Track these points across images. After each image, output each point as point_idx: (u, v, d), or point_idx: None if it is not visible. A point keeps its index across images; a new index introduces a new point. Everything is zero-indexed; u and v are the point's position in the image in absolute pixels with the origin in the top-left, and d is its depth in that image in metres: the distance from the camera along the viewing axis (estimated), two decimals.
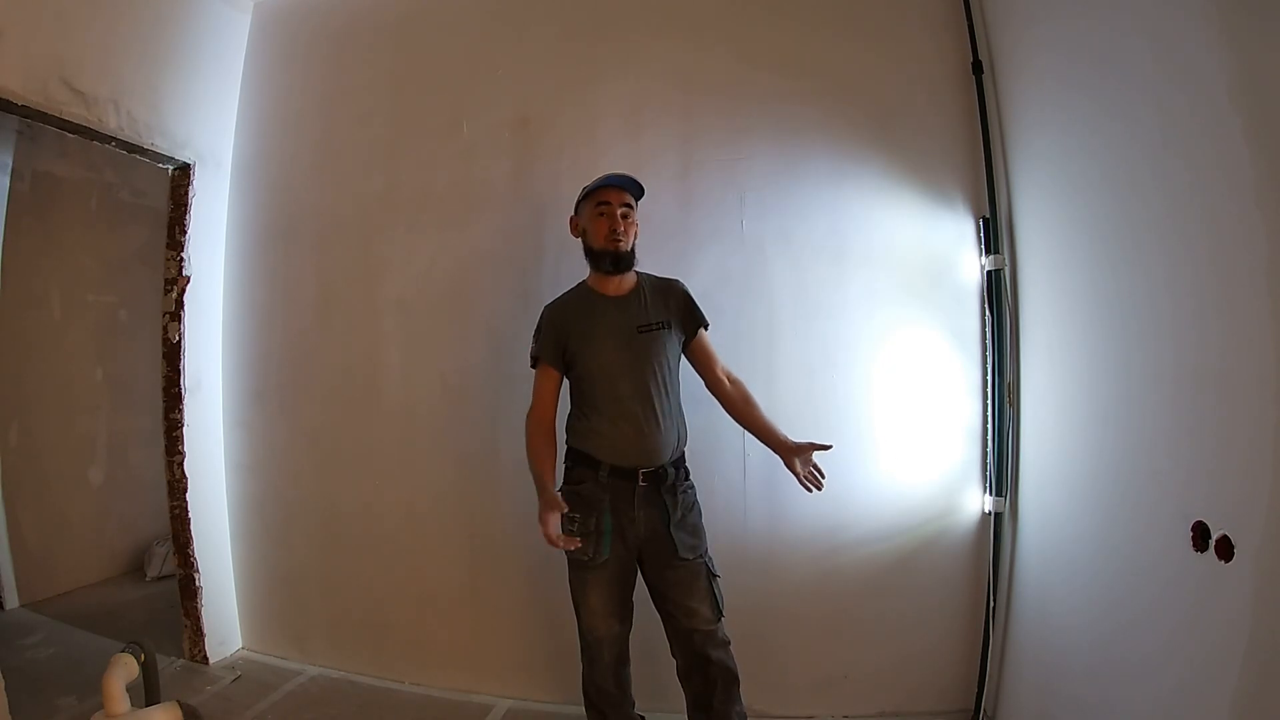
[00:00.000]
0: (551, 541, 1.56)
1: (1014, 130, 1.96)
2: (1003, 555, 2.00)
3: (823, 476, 1.70)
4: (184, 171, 2.45)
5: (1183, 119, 1.24)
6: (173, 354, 2.42)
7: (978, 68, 2.03)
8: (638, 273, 1.80)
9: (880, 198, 2.10)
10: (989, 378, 2.01)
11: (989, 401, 2.01)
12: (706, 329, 1.82)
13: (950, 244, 2.07)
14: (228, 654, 2.53)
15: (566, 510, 1.61)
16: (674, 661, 1.77)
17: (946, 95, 2.08)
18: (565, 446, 1.76)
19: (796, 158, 2.14)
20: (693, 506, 1.75)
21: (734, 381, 1.84)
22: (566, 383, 1.80)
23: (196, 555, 2.44)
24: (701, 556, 1.70)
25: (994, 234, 2.00)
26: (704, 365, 1.82)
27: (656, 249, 2.19)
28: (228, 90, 2.59)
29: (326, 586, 2.48)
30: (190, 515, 2.42)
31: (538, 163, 2.29)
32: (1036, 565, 1.86)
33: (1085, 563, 1.60)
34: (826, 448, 1.69)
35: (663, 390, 1.70)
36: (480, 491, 2.32)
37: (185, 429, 2.42)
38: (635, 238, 1.75)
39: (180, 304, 2.42)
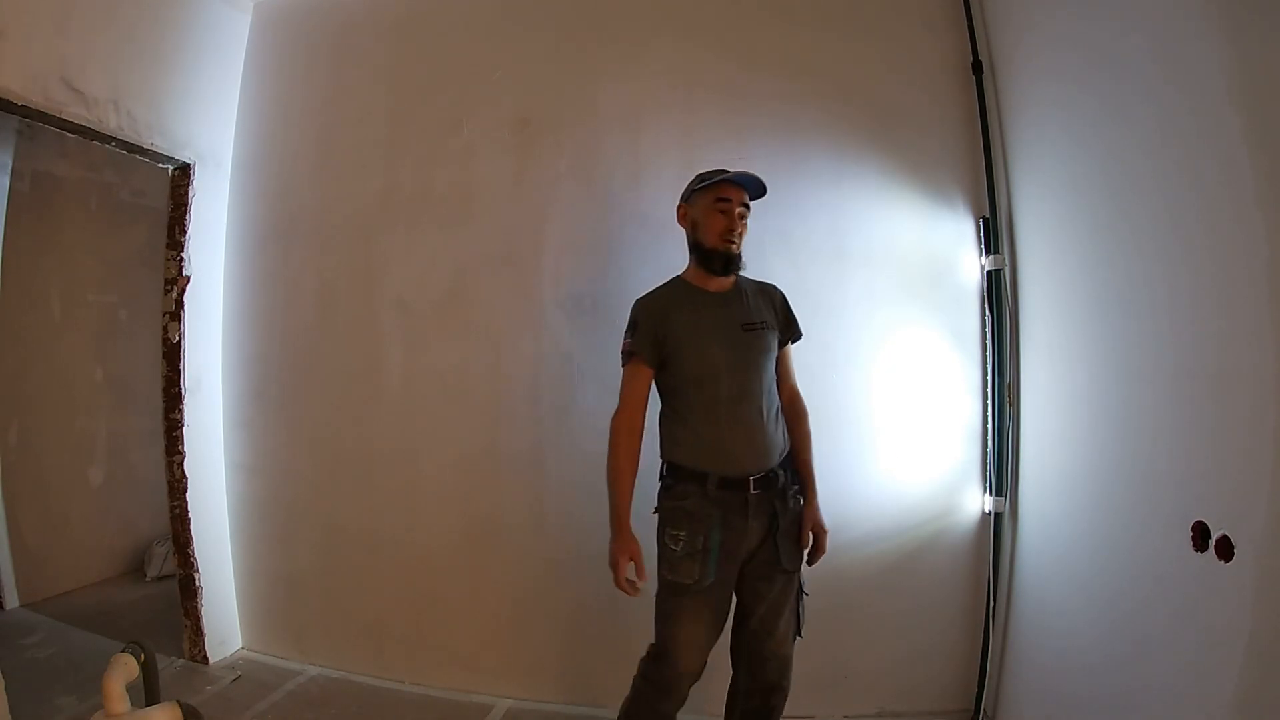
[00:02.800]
0: (621, 587, 1.48)
1: (1014, 130, 1.96)
2: (1003, 555, 2.00)
3: (818, 555, 1.63)
4: (184, 171, 2.45)
5: (1182, 119, 1.24)
6: (173, 354, 2.42)
7: (978, 68, 2.03)
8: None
9: (880, 197, 2.10)
10: (989, 378, 2.01)
11: (989, 401, 2.01)
12: (797, 341, 1.74)
13: (950, 244, 2.07)
14: (228, 654, 2.53)
15: (670, 530, 1.51)
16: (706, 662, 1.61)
17: (946, 95, 2.08)
18: (649, 460, 1.63)
19: (796, 157, 2.14)
20: (799, 513, 1.61)
21: (796, 403, 1.72)
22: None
23: (196, 555, 2.44)
24: (798, 570, 1.60)
25: (994, 234, 2.00)
26: (779, 375, 1.69)
27: (656, 249, 2.20)
28: (228, 90, 2.59)
29: (326, 586, 2.48)
30: (190, 515, 2.42)
31: (538, 163, 2.29)
32: (1036, 565, 1.86)
33: (1085, 562, 1.60)
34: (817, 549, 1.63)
35: (765, 390, 1.59)
36: (480, 491, 2.32)
37: (185, 429, 2.42)
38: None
39: (180, 304, 2.42)
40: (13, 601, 2.92)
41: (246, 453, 2.58)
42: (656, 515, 1.60)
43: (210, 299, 2.54)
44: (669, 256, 2.19)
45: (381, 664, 2.40)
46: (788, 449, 1.62)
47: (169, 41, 2.34)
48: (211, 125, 2.52)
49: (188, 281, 2.44)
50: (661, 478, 1.61)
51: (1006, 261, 1.99)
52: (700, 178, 1.63)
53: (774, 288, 1.74)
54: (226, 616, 2.56)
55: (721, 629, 1.56)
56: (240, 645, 2.59)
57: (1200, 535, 1.16)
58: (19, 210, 3.00)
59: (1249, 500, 1.08)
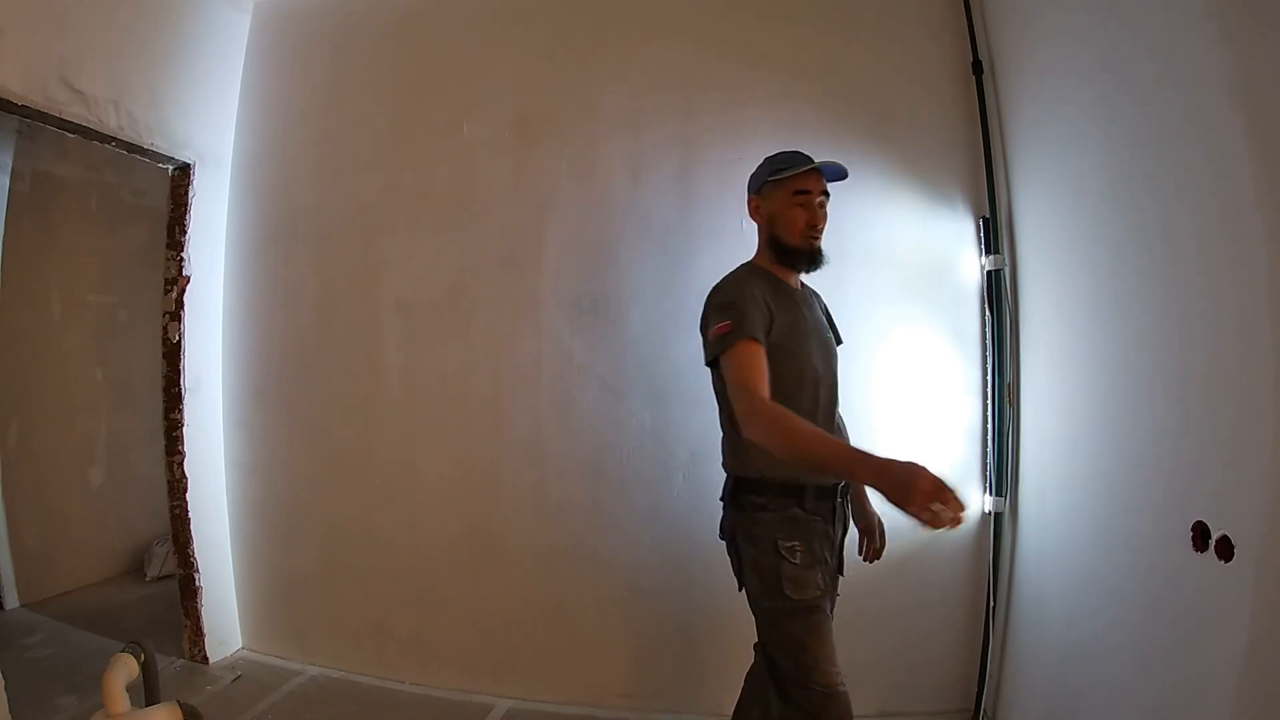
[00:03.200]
0: (944, 500, 0.96)
1: (1014, 130, 1.96)
2: (1003, 555, 2.00)
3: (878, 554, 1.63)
4: (184, 171, 2.45)
5: (1182, 118, 1.24)
6: (173, 354, 2.42)
7: (978, 68, 2.03)
8: None
9: (880, 197, 2.10)
10: (989, 378, 2.01)
11: (989, 401, 2.01)
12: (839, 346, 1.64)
13: (950, 244, 2.07)
14: (228, 654, 2.53)
15: (784, 543, 1.36)
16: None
17: (946, 95, 2.08)
18: (736, 479, 1.48)
19: None
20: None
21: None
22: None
23: (196, 555, 2.44)
24: None
25: (994, 234, 2.00)
26: None
27: (656, 249, 2.20)
28: (228, 90, 2.59)
29: (326, 586, 2.48)
30: (190, 515, 2.42)
31: (538, 163, 2.29)
32: (1036, 565, 1.86)
33: (1085, 563, 1.60)
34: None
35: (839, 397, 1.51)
36: (480, 491, 2.32)
37: (185, 429, 2.42)
38: None
39: (180, 304, 2.42)
40: (13, 601, 2.92)
41: (246, 453, 2.58)
42: (743, 537, 1.44)
43: (210, 299, 2.54)
44: (669, 256, 2.20)
45: (382, 664, 2.40)
46: None
47: (169, 41, 2.34)
48: (211, 125, 2.52)
49: (188, 281, 2.44)
50: (732, 499, 1.47)
51: (1006, 261, 1.99)
52: (772, 166, 1.47)
53: (818, 294, 1.66)
54: (226, 616, 2.56)
55: None
56: (240, 645, 2.59)
57: (1200, 535, 1.16)
58: (19, 210, 3.00)
59: (1249, 500, 1.08)
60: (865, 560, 1.65)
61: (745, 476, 1.44)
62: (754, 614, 1.45)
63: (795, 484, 1.38)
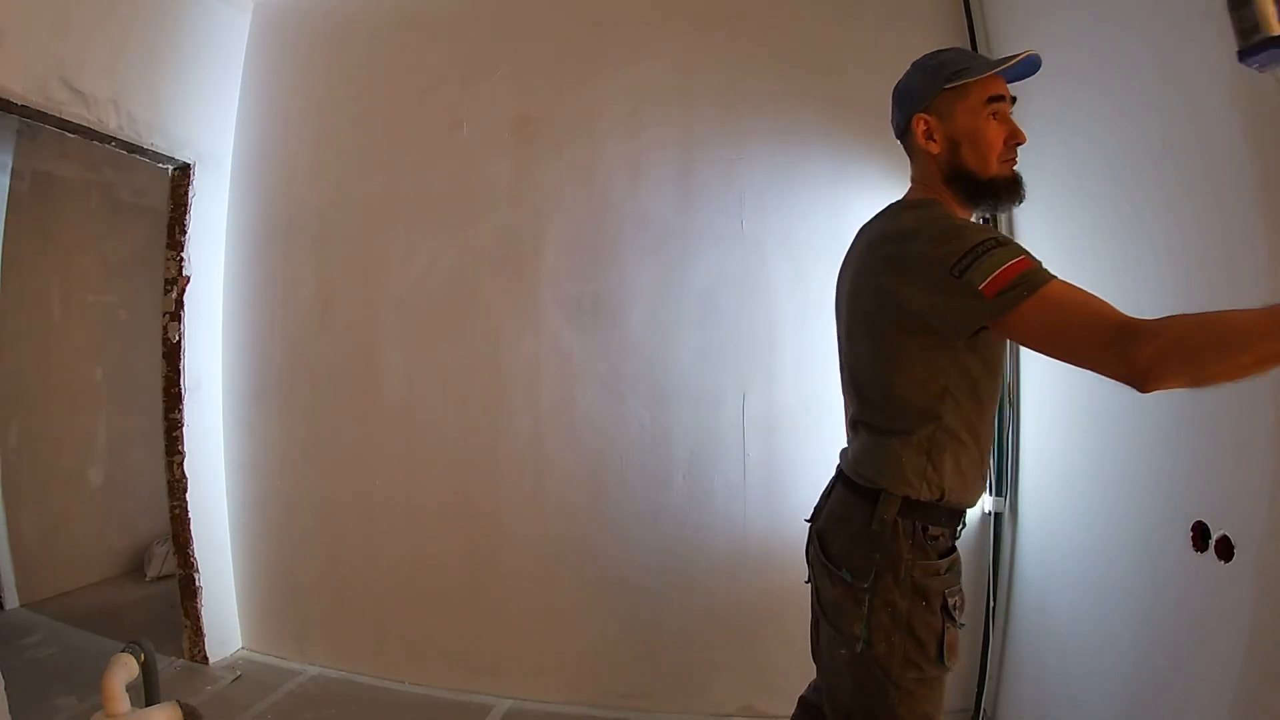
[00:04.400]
0: None
1: None
2: (1003, 555, 2.00)
3: None
4: (184, 171, 2.45)
5: (1182, 118, 1.24)
6: (173, 354, 2.42)
7: None
8: None
9: (880, 197, 2.09)
10: None
11: None
12: None
13: None
14: (228, 654, 2.53)
15: (949, 595, 1.04)
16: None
17: None
18: (903, 501, 1.05)
19: (796, 158, 2.14)
20: None
21: None
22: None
23: (196, 555, 2.43)
24: None
25: None
26: None
27: (656, 249, 2.20)
28: (228, 90, 2.59)
29: (326, 586, 2.48)
30: (190, 515, 2.42)
31: (538, 163, 2.29)
32: (1036, 565, 1.86)
33: (1085, 563, 1.60)
34: None
35: None
36: (481, 491, 2.32)
37: (185, 429, 2.42)
38: None
39: (180, 304, 2.42)
40: (13, 601, 2.92)
41: (246, 453, 2.58)
42: (902, 584, 1.03)
43: (210, 299, 2.54)
44: (669, 256, 2.20)
45: (382, 664, 2.40)
46: None
47: (169, 41, 2.34)
48: (211, 125, 2.52)
49: (188, 281, 2.44)
50: (898, 528, 1.04)
51: None
52: (946, 69, 1.06)
53: None
54: (226, 616, 2.56)
55: None
56: (240, 645, 2.58)
57: (1200, 535, 1.16)
58: (19, 210, 3.00)
59: (1249, 500, 1.08)
60: None
61: (921, 499, 1.03)
62: (851, 681, 1.08)
63: (962, 509, 1.08)
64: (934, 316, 0.96)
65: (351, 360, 2.45)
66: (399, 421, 2.39)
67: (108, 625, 2.76)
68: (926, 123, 1.09)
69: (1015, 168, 1.06)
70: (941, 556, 1.05)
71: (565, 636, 2.26)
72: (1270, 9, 0.80)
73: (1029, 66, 1.05)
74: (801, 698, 1.40)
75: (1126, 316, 0.87)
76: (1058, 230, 1.76)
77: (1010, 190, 1.05)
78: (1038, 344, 0.93)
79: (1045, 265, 0.93)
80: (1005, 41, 1.98)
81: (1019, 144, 1.04)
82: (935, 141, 1.08)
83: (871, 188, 2.11)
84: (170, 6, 2.34)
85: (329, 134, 2.51)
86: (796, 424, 2.09)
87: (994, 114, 1.04)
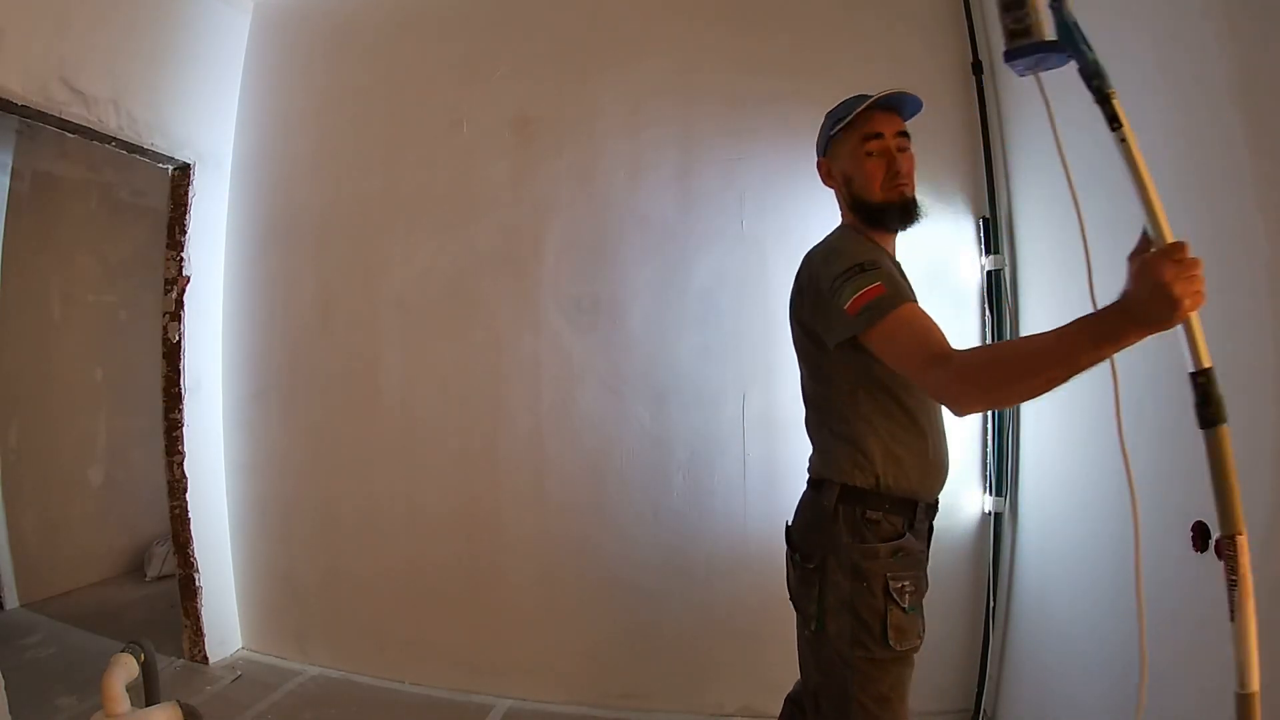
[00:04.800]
0: (1194, 276, 0.81)
1: (1014, 130, 1.96)
2: (1003, 555, 2.00)
3: None
4: (184, 171, 2.45)
5: (1183, 118, 1.24)
6: (173, 354, 2.42)
7: (978, 68, 2.03)
8: None
9: None
10: None
11: None
12: None
13: (950, 244, 2.07)
14: (228, 654, 2.53)
15: (893, 580, 1.12)
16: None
17: (946, 95, 2.08)
18: (842, 488, 1.17)
19: (796, 157, 2.14)
20: None
21: None
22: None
23: (196, 555, 2.44)
24: None
25: (994, 234, 2.00)
26: None
27: (656, 249, 2.20)
28: (228, 90, 2.59)
29: (326, 586, 2.48)
30: (190, 515, 2.42)
31: (538, 163, 2.29)
32: (1036, 565, 1.86)
33: (1085, 563, 1.60)
34: None
35: None
36: (481, 491, 2.32)
37: (185, 429, 2.42)
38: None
39: (180, 304, 2.42)
40: (13, 601, 2.92)
41: (246, 453, 2.58)
42: (844, 565, 1.13)
43: (210, 299, 2.54)
44: (669, 256, 2.20)
45: (382, 664, 2.40)
46: None
47: (169, 41, 2.34)
48: (211, 125, 2.52)
49: (188, 281, 2.44)
50: (837, 513, 1.16)
51: (1006, 261, 1.99)
52: (833, 118, 1.25)
53: None
54: (226, 616, 2.56)
55: None
56: (240, 645, 2.59)
57: (1200, 535, 1.16)
58: (19, 210, 3.01)
59: (1249, 500, 1.08)
60: None
61: (858, 485, 1.14)
62: (813, 660, 1.18)
63: (911, 498, 1.16)
64: (817, 326, 1.16)
65: (351, 360, 2.45)
66: (399, 421, 2.39)
67: (108, 625, 2.76)
68: (826, 165, 1.30)
69: (907, 192, 1.20)
70: (884, 541, 1.13)
71: (565, 636, 2.26)
72: (1041, 15, 0.89)
73: (911, 105, 1.23)
74: (788, 696, 1.43)
75: (946, 347, 1.00)
76: (1057, 229, 1.76)
77: (898, 212, 1.20)
78: (884, 359, 1.07)
79: (903, 292, 1.08)
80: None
81: (899, 173, 1.18)
82: (834, 179, 1.28)
83: None
84: (170, 6, 2.34)
85: (329, 134, 2.51)
86: (796, 423, 2.08)
87: (869, 151, 1.19)
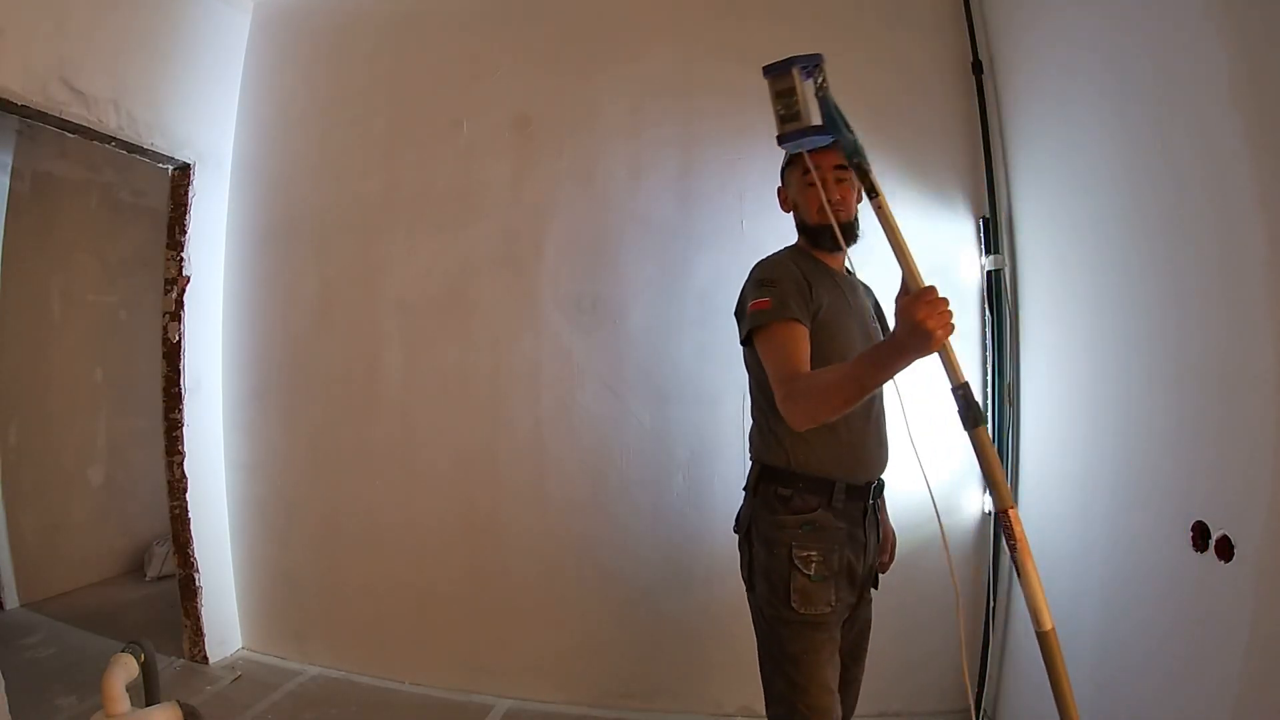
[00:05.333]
0: (944, 310, 1.00)
1: (1014, 130, 1.96)
2: (1003, 555, 2.00)
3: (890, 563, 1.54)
4: (184, 171, 2.45)
5: (1183, 118, 1.24)
6: (173, 354, 2.42)
7: (978, 68, 2.03)
8: None
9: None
10: (989, 378, 2.01)
11: (989, 401, 2.01)
12: None
13: (950, 244, 2.07)
14: (228, 654, 2.53)
15: (799, 551, 1.26)
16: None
17: (946, 95, 2.08)
18: (761, 467, 1.36)
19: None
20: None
21: None
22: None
23: (196, 555, 2.44)
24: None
25: (994, 234, 2.00)
26: None
27: (657, 249, 2.20)
28: (228, 90, 2.59)
29: (326, 586, 2.48)
30: (190, 515, 2.42)
31: (538, 163, 2.29)
32: (1037, 565, 1.86)
33: (1085, 563, 1.60)
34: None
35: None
36: (480, 491, 2.32)
37: (185, 429, 2.42)
38: (857, 202, 1.40)
39: (180, 304, 2.42)
40: (13, 601, 2.92)
41: (246, 453, 2.58)
42: (758, 536, 1.33)
43: (210, 299, 2.54)
44: (669, 256, 2.20)
45: (381, 664, 2.40)
46: None
47: (169, 41, 2.34)
48: (211, 125, 2.52)
49: (188, 281, 2.44)
50: (757, 489, 1.35)
51: (1006, 261, 1.99)
52: (787, 154, 1.40)
53: (869, 287, 1.57)
54: (226, 616, 2.56)
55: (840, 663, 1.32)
56: (240, 645, 2.58)
57: (1200, 535, 1.16)
58: (19, 210, 3.00)
59: (1249, 500, 1.08)
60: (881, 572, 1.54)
61: (771, 464, 1.33)
62: (753, 619, 1.38)
63: (826, 478, 1.29)
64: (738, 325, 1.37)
65: (351, 360, 2.45)
66: (399, 421, 2.39)
67: (108, 625, 2.76)
68: (783, 193, 1.47)
69: (840, 217, 1.33)
70: (793, 514, 1.29)
71: (565, 636, 2.26)
72: (808, 102, 1.08)
73: (847, 146, 1.31)
74: None
75: (793, 370, 1.19)
76: (1057, 229, 1.76)
77: (830, 234, 1.32)
78: (765, 365, 1.26)
79: (789, 311, 1.25)
80: (1005, 41, 1.98)
81: (830, 201, 1.31)
82: (786, 204, 1.47)
83: None
84: (170, 6, 2.34)
85: (329, 133, 2.51)
86: None
87: (809, 182, 1.35)
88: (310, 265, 2.51)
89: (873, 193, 1.08)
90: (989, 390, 2.01)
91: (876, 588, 1.44)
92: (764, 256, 1.41)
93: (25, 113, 1.91)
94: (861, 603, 1.40)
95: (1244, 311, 1.11)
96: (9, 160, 2.98)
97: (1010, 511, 0.98)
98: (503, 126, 2.33)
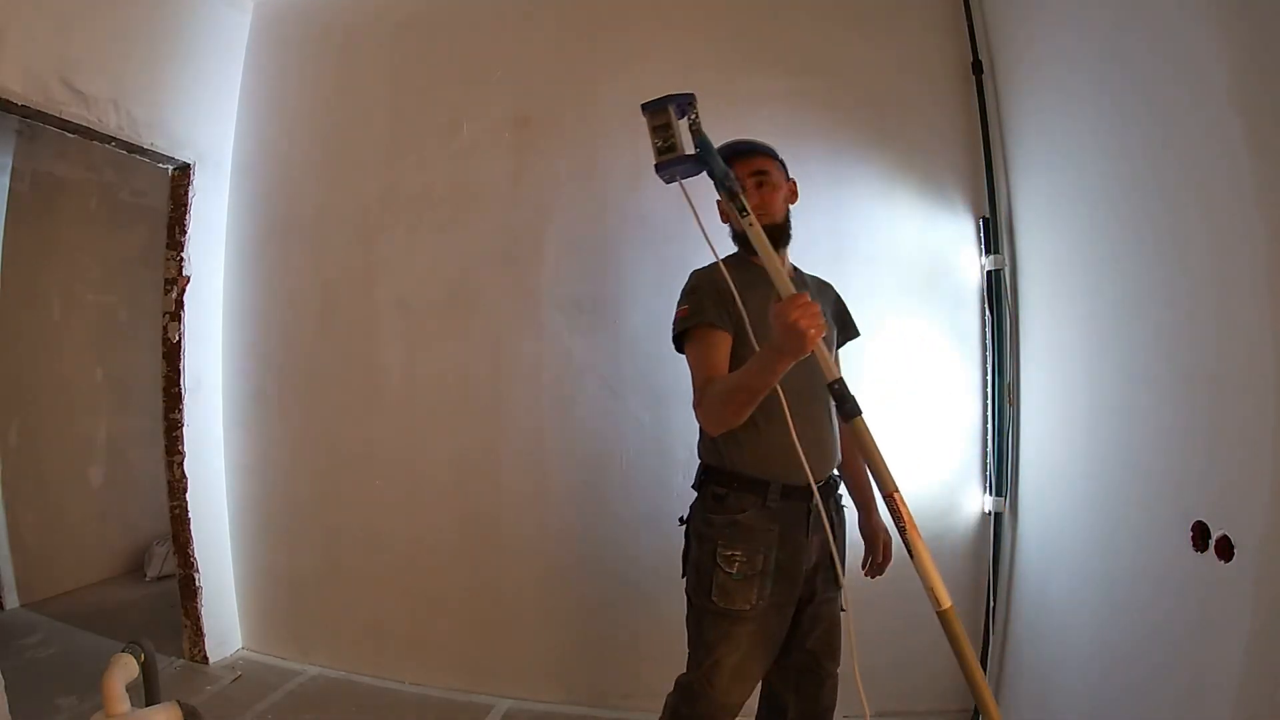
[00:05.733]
0: (814, 313, 1.04)
1: (1014, 130, 1.96)
2: (1003, 555, 2.00)
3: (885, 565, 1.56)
4: (184, 171, 2.45)
5: (1183, 119, 1.24)
6: (173, 354, 2.42)
7: (978, 68, 2.03)
8: (792, 263, 1.54)
9: (880, 198, 2.10)
10: (989, 378, 2.01)
11: (989, 401, 2.01)
12: (854, 338, 1.61)
13: (950, 244, 2.07)
14: (228, 654, 2.53)
15: (724, 550, 1.31)
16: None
17: (946, 95, 2.08)
18: (703, 466, 1.45)
19: (796, 158, 2.12)
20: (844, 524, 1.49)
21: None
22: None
23: (196, 555, 2.43)
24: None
25: (994, 234, 2.00)
26: None
27: (657, 249, 2.20)
28: (228, 90, 2.59)
29: (326, 586, 2.48)
30: (190, 515, 2.42)
31: (538, 163, 2.29)
32: (1036, 565, 1.86)
33: (1085, 563, 1.60)
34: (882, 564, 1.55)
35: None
36: (480, 491, 2.32)
37: (185, 429, 2.42)
38: (788, 204, 1.47)
39: (180, 304, 2.42)
40: (13, 601, 2.92)
41: (246, 453, 2.58)
42: (692, 530, 1.42)
43: (210, 299, 2.54)
44: (669, 256, 2.20)
45: (381, 664, 2.40)
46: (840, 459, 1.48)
47: (169, 41, 2.34)
48: (211, 125, 2.52)
49: (188, 281, 2.44)
50: (699, 486, 1.44)
51: (1006, 261, 1.99)
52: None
53: (830, 285, 1.61)
54: (226, 616, 2.56)
55: (772, 659, 1.39)
56: (240, 645, 2.58)
57: (1200, 535, 1.16)
58: (19, 210, 3.00)
59: (1249, 500, 1.08)
60: (866, 575, 1.58)
61: (709, 464, 1.42)
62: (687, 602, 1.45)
63: (759, 479, 1.33)
64: None
65: (351, 360, 2.45)
66: (399, 421, 2.39)
67: (108, 625, 2.76)
68: (719, 203, 1.45)
69: (767, 221, 1.37)
70: (722, 514, 1.35)
71: (565, 637, 2.26)
72: (683, 134, 1.21)
73: (762, 148, 1.47)
74: (762, 695, 1.56)
75: (705, 378, 1.30)
76: (1057, 229, 1.76)
77: (745, 240, 1.36)
78: (690, 370, 1.36)
79: (705, 317, 1.34)
80: (1005, 41, 1.98)
81: (754, 206, 1.35)
82: (722, 215, 1.49)
83: (871, 187, 2.11)
84: (170, 6, 2.34)
85: (329, 134, 2.51)
86: None
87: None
88: (310, 265, 2.51)
89: (744, 212, 1.16)
90: (989, 390, 2.02)
91: (839, 586, 1.40)
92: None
93: (25, 113, 1.90)
94: (820, 600, 1.42)
95: (1244, 311, 1.11)
96: (9, 160, 2.97)
97: (895, 495, 1.04)
98: (503, 126, 2.33)
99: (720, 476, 1.38)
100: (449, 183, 2.36)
